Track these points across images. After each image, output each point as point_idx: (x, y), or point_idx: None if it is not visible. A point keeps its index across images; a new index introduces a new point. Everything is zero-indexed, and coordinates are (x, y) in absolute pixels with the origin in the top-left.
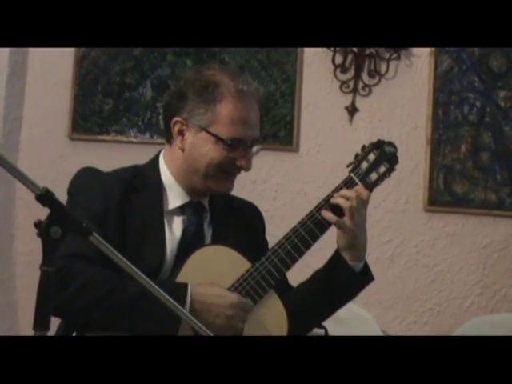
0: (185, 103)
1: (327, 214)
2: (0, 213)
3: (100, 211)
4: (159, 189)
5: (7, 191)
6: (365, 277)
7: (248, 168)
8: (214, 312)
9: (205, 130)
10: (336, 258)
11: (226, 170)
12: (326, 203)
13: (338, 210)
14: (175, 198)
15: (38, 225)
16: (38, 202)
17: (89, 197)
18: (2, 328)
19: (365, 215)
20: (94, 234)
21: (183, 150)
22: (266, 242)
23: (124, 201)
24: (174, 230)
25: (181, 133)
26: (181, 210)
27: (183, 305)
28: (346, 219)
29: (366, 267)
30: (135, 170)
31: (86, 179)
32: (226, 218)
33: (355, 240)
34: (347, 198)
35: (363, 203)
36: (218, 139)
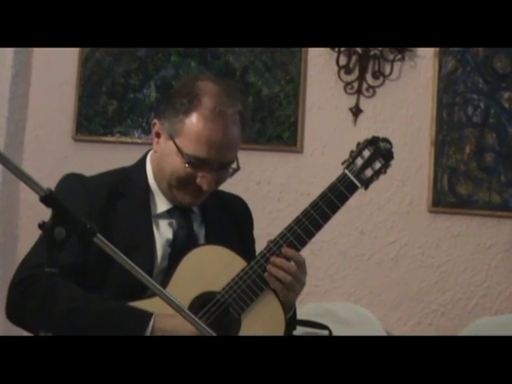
0: (167, 108)
1: (274, 283)
2: (4, 214)
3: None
4: (146, 192)
5: (11, 192)
6: (287, 327)
7: (207, 189)
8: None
9: (172, 139)
10: None
11: (188, 184)
12: (322, 201)
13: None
14: (162, 201)
15: (42, 226)
16: (42, 203)
17: (71, 204)
18: (7, 329)
19: (304, 282)
20: (98, 234)
21: (156, 152)
22: (252, 240)
23: (109, 207)
24: (164, 234)
25: (157, 135)
26: (168, 213)
27: (144, 330)
28: (288, 292)
29: (293, 315)
30: (122, 172)
31: (68, 185)
32: (218, 216)
33: (289, 303)
34: (286, 271)
35: (302, 272)
36: (180, 152)
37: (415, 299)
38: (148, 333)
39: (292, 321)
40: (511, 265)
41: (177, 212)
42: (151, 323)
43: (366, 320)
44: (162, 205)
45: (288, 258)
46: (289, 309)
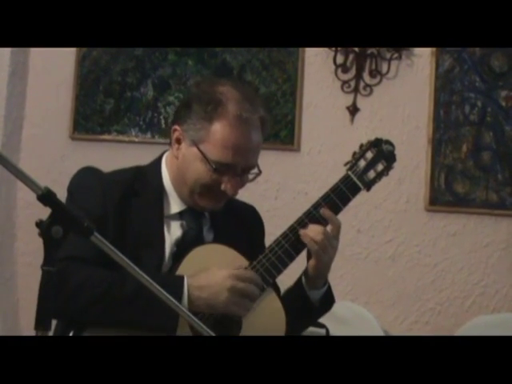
0: (188, 114)
1: (307, 240)
2: (1, 212)
3: (98, 213)
4: (160, 193)
5: (8, 191)
6: (323, 304)
7: (232, 193)
8: (214, 290)
9: (196, 145)
10: (297, 285)
11: (212, 190)
12: (325, 202)
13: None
14: (175, 203)
15: (39, 224)
16: (40, 201)
17: (88, 198)
18: (4, 328)
19: (336, 247)
20: (95, 233)
21: (177, 159)
22: (263, 249)
23: (124, 203)
24: (174, 235)
25: (178, 141)
26: (180, 215)
27: (181, 295)
28: (312, 261)
29: (328, 292)
30: (137, 171)
31: (86, 179)
32: (227, 223)
33: (325, 270)
34: (315, 241)
35: (335, 237)
36: (206, 159)
37: (412, 298)
38: (185, 294)
39: (327, 298)
40: (508, 263)
41: (188, 214)
42: (185, 285)
43: (363, 318)
44: (174, 206)
45: (324, 219)
46: (321, 284)
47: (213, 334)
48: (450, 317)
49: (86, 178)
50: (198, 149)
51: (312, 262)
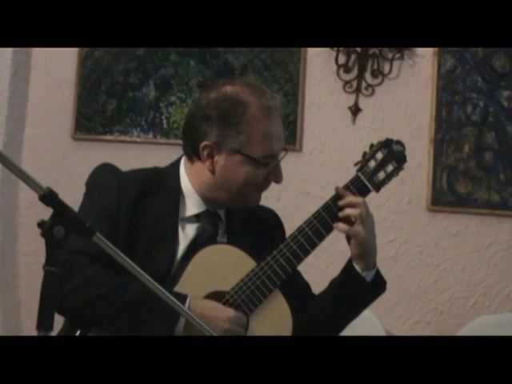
0: (211, 126)
1: (340, 226)
2: (3, 213)
3: (112, 210)
4: (177, 195)
5: (11, 191)
6: (377, 285)
7: (281, 180)
8: (211, 324)
9: (238, 152)
10: (348, 268)
11: (259, 186)
12: (334, 203)
13: (348, 219)
14: (192, 205)
15: (41, 225)
16: (42, 202)
17: (102, 194)
18: (5, 328)
19: (373, 220)
20: (97, 234)
21: (213, 173)
22: None
23: (138, 202)
24: (188, 236)
25: (210, 156)
26: (196, 217)
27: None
28: (358, 227)
29: (378, 275)
30: (154, 172)
31: (102, 176)
32: (243, 227)
33: (368, 247)
34: (355, 206)
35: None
36: (252, 159)
37: (414, 298)
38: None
39: (378, 279)
40: (510, 263)
41: (205, 217)
42: (186, 305)
43: (365, 319)
44: (191, 208)
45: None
46: (372, 265)
47: (215, 335)
48: (452, 317)
49: (102, 175)
50: (242, 154)
51: (358, 228)
